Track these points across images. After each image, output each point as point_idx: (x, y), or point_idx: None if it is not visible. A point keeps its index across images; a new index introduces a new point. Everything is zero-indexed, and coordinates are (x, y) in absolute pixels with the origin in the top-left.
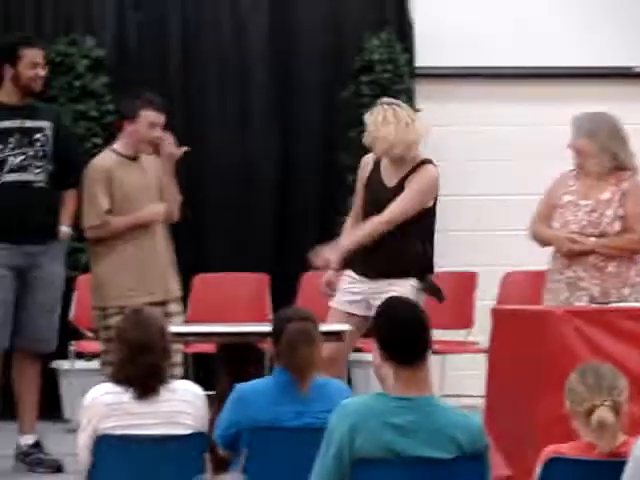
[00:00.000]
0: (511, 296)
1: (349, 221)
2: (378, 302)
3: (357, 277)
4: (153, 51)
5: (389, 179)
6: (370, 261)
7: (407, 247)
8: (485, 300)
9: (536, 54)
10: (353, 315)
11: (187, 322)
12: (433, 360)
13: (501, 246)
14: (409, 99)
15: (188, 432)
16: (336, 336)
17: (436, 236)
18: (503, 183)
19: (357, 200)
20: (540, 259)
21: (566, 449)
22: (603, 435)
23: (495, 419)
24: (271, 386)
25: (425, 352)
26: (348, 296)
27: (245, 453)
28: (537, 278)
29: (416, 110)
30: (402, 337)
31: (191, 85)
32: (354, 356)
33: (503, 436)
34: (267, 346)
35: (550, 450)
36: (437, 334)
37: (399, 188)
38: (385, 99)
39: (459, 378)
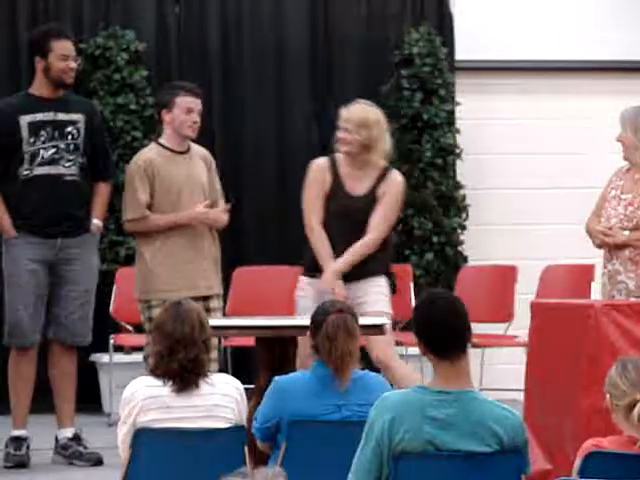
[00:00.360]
0: (551, 289)
1: (317, 224)
2: (361, 300)
3: None
4: (192, 44)
5: (353, 187)
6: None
7: (379, 249)
8: (526, 294)
9: (576, 48)
10: None
11: (226, 315)
12: (472, 353)
13: (541, 239)
14: (449, 92)
15: (227, 425)
16: (375, 329)
17: (475, 229)
18: (544, 176)
19: (317, 202)
20: (580, 252)
21: (606, 443)
22: None
23: (535, 413)
24: (310, 379)
25: (465, 345)
26: None
27: (284, 446)
28: (577, 271)
29: (456, 103)
30: (442, 331)
31: (230, 78)
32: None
33: (543, 430)
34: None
35: (590, 444)
36: (477, 327)
37: (370, 196)
38: (361, 100)
39: (498, 372)
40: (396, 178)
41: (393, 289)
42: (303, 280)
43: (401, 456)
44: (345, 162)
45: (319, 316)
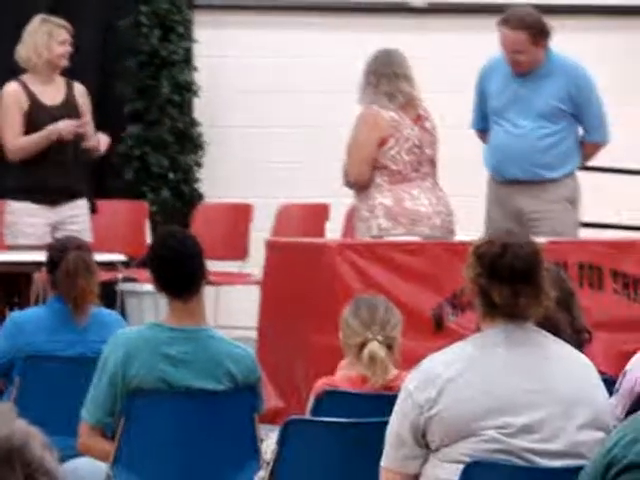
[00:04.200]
0: (286, 228)
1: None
2: (72, 227)
3: (37, 206)
4: None
5: (48, 99)
6: (58, 186)
7: (84, 168)
8: (262, 232)
9: None
10: None
11: None
12: (207, 291)
13: (277, 178)
14: (187, 30)
15: None
16: (109, 266)
17: (212, 167)
18: (281, 114)
19: (18, 122)
20: (316, 191)
21: (339, 381)
22: (375, 369)
23: (268, 351)
24: (46, 315)
25: (199, 284)
26: (42, 228)
27: (18, 382)
28: (312, 210)
29: (194, 41)
30: (175, 269)
31: None
32: (128, 286)
33: (276, 368)
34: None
35: (322, 382)
36: (212, 265)
37: (69, 104)
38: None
39: (233, 310)
40: (81, 86)
41: (93, 209)
42: (30, 208)
43: (135, 392)
44: (34, 80)
45: (57, 252)
